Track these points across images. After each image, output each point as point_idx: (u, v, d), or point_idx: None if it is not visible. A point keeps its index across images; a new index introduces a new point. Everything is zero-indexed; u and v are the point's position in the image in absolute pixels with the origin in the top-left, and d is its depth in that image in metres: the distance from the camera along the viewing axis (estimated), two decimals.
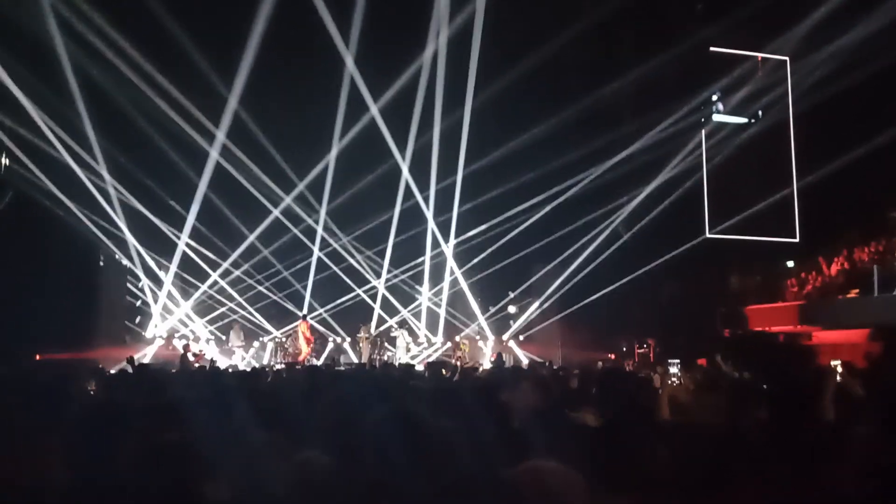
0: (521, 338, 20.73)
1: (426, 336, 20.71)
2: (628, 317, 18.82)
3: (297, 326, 19.87)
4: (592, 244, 18.95)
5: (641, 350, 18.84)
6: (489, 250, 19.85)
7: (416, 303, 20.90)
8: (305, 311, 19.80)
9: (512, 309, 21.27)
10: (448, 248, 20.19)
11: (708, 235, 18.36)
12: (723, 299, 18.30)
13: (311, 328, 19.49)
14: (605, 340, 18.89)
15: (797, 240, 18.77)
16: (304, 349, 18.58)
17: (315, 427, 3.76)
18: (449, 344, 20.19)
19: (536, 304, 20.46)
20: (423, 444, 2.75)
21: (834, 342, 15.08)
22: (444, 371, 9.27)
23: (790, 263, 18.99)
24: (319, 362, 17.72)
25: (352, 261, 20.33)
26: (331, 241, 20.03)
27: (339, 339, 20.42)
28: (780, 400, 3.94)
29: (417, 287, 21.05)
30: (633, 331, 19.33)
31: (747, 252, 18.24)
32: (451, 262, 20.37)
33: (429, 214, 19.78)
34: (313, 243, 19.80)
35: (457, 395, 4.50)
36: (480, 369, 11.43)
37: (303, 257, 19.99)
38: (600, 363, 15.56)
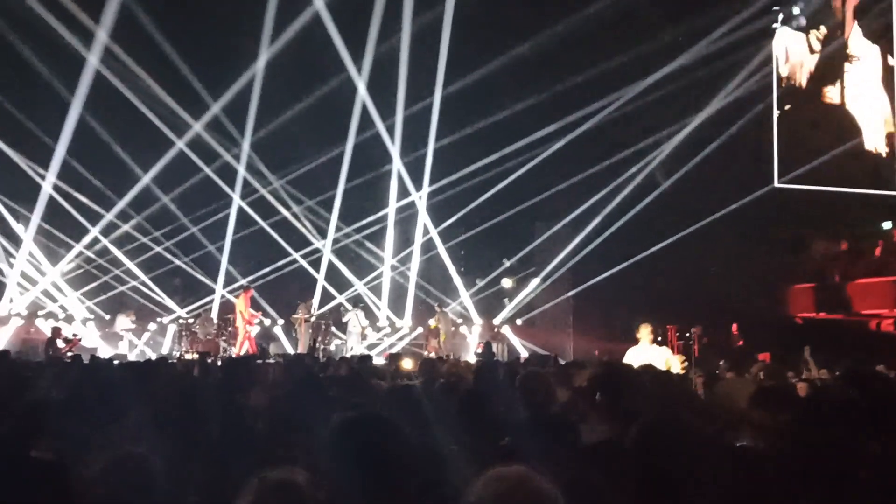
0: (519, 322, 20.90)
1: (389, 319, 20.81)
2: (665, 295, 19.00)
3: (209, 306, 19.86)
4: (618, 196, 19.06)
5: (683, 341, 19.08)
6: (477, 202, 19.93)
7: (377, 273, 20.97)
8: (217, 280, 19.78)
9: (507, 283, 21.40)
10: (420, 199, 20.25)
11: (777, 185, 18.54)
12: (795, 273, 18.56)
13: (254, 302, 19.35)
14: (633, 327, 19.02)
15: None
16: (241, 332, 18.45)
17: (237, 439, 3.84)
18: (420, 330, 20.30)
19: (540, 277, 20.61)
20: (390, 467, 2.88)
21: None
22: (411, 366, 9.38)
23: (888, 224, 19.27)
24: (241, 352, 17.77)
25: (286, 213, 20.28)
26: (257, 185, 19.99)
27: (267, 322, 20.46)
28: (876, 417, 3.99)
29: (378, 251, 21.08)
30: (672, 314, 19.53)
31: (829, 208, 18.45)
32: (423, 218, 20.43)
33: (394, 151, 19.77)
34: (233, 188, 19.75)
35: (434, 403, 4.62)
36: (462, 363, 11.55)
37: (218, 208, 19.98)
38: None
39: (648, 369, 8.10)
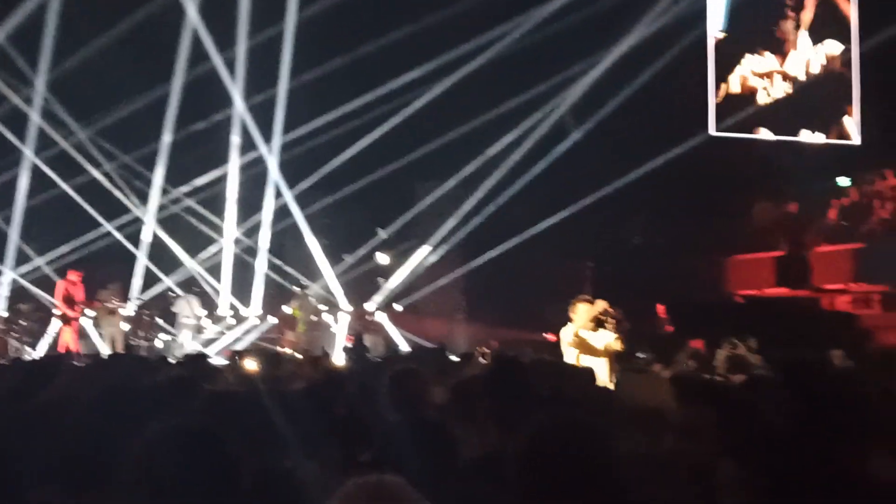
0: (399, 307, 20.99)
1: (232, 307, 20.68)
2: (579, 272, 19.34)
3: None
4: (519, 149, 19.25)
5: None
6: (343, 157, 19.94)
7: (216, 248, 20.81)
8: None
9: (382, 259, 21.45)
10: (271, 154, 20.15)
11: (713, 133, 18.99)
12: (734, 241, 19.03)
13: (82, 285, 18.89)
14: (543, 312, 19.39)
15: (858, 142, 19.73)
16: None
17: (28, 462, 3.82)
18: (272, 320, 20.27)
19: (424, 250, 20.75)
20: (211, 490, 2.92)
21: None
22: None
23: (844, 181, 19.92)
24: (37, 353, 17.50)
25: (96, 173, 19.92)
26: (56, 136, 19.59)
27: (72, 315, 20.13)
28: (813, 417, 4.14)
29: (216, 220, 20.89)
30: (588, 295, 19.88)
31: (775, 162, 18.99)
32: (275, 178, 20.33)
33: (236, 92, 19.63)
34: (23, 141, 19.32)
35: (278, 410, 4.66)
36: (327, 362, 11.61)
37: (5, 166, 19.53)
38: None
39: (551, 363, 8.31)
